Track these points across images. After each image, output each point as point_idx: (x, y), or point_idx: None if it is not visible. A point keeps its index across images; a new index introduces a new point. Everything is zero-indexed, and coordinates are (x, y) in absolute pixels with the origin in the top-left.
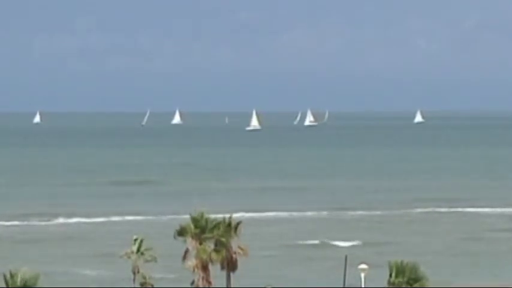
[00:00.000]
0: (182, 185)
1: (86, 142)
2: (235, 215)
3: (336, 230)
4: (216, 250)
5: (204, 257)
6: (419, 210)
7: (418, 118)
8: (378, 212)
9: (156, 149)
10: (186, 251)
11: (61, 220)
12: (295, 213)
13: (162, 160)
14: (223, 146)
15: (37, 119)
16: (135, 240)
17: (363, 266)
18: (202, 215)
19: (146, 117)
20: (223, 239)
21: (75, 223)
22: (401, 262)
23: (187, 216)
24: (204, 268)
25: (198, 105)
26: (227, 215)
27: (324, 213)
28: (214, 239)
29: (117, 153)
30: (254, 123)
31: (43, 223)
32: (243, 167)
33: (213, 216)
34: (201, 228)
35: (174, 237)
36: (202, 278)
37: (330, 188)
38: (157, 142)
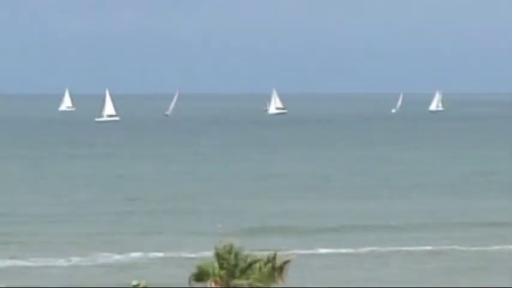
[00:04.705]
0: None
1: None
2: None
3: None
4: None
5: None
6: None
7: (435, 104)
8: None
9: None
10: None
11: None
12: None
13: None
14: None
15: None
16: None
17: None
18: (230, 248)
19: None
20: (262, 286)
21: None
22: None
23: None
24: None
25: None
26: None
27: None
28: (249, 284)
29: None
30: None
31: None
32: None
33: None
34: (229, 269)
35: (189, 284)
36: None
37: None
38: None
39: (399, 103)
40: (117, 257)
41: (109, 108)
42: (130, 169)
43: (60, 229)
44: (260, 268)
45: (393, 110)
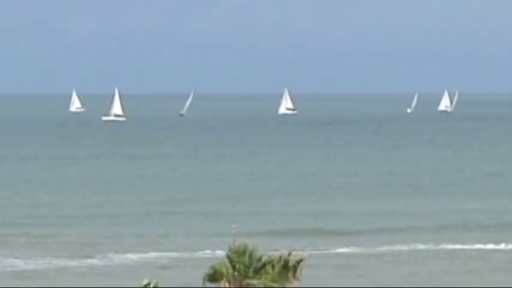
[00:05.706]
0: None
1: None
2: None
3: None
4: None
5: None
6: None
7: (444, 104)
8: None
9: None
10: None
11: None
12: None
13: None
14: None
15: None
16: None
17: None
18: (244, 248)
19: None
20: (275, 285)
21: None
22: None
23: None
24: None
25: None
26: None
27: None
28: (262, 284)
29: None
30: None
31: None
32: None
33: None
34: (242, 270)
35: (203, 284)
36: None
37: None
38: None
39: (414, 103)
40: (132, 257)
41: (117, 108)
42: (146, 170)
43: (76, 230)
44: (273, 267)
45: (409, 110)
